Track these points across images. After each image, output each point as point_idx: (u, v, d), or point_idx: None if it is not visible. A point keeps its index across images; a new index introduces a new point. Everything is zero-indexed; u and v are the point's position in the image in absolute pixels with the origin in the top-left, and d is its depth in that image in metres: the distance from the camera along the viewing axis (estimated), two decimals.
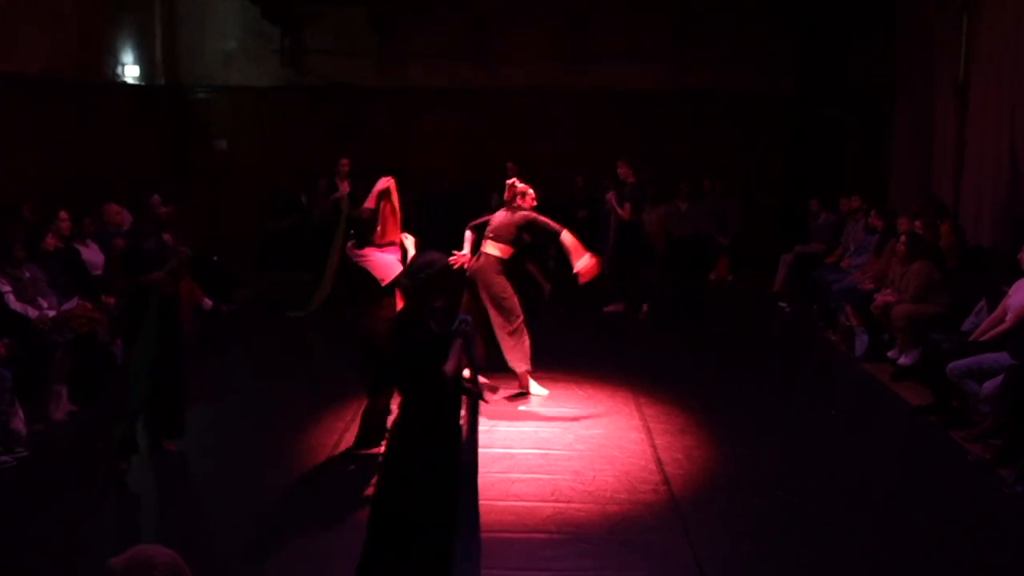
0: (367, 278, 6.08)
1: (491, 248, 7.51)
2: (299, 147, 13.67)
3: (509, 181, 7.72)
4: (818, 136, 13.40)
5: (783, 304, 11.29)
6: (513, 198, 7.58)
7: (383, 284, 6.00)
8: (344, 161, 12.23)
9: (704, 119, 13.71)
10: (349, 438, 6.64)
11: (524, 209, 7.54)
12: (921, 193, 10.80)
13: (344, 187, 11.92)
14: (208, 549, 4.98)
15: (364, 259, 6.08)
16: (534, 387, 7.67)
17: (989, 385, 6.51)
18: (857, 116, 13.11)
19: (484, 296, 7.46)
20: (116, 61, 12.50)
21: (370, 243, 6.16)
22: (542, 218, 7.51)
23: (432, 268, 4.18)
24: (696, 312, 11.44)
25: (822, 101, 13.37)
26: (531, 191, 7.62)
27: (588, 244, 8.20)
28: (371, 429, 6.24)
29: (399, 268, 5.89)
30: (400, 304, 5.78)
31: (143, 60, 13.12)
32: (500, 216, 7.60)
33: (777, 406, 7.59)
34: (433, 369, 3.97)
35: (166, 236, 6.45)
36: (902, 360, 8.29)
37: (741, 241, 13.23)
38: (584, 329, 10.04)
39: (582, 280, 7.31)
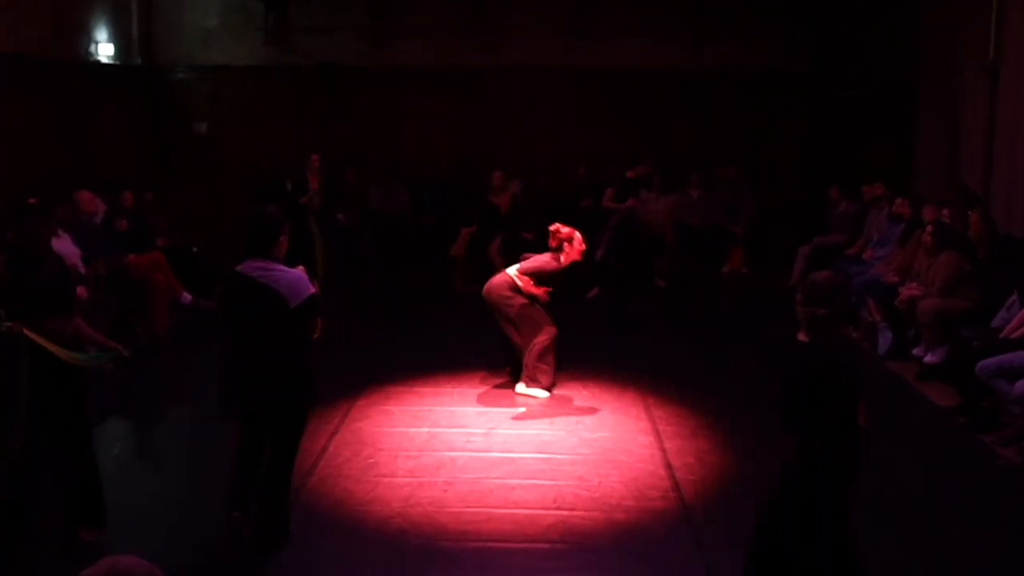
0: (262, 299, 4.92)
1: (514, 274, 7.68)
2: (284, 130, 13.63)
3: (552, 227, 7.74)
4: (838, 119, 13.35)
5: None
6: (560, 245, 7.64)
7: (291, 306, 4.90)
8: (315, 157, 11.98)
9: (716, 101, 13.66)
10: (339, 441, 6.65)
11: (556, 260, 7.65)
12: (948, 180, 10.77)
13: (314, 183, 11.82)
14: (186, 557, 4.97)
15: (267, 274, 4.96)
16: (534, 389, 7.66)
17: (1021, 385, 6.48)
18: (880, 97, 13.06)
19: (500, 318, 7.70)
20: (89, 39, 12.45)
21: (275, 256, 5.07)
22: (551, 275, 7.65)
23: (844, 291, 3.93)
24: (709, 307, 11.43)
25: (842, 81, 13.32)
26: (578, 235, 7.68)
27: (589, 236, 8.38)
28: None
29: (311, 286, 5.03)
30: (318, 331, 5.19)
31: (118, 38, 13.07)
32: (543, 258, 7.74)
33: None
34: (844, 414, 3.70)
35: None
36: (928, 358, 8.26)
37: (756, 231, 13.20)
38: (588, 325, 10.02)
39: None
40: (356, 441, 6.68)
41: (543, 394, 7.65)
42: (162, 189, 12.23)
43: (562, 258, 7.65)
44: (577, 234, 7.68)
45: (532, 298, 7.61)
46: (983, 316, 7.86)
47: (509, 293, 7.63)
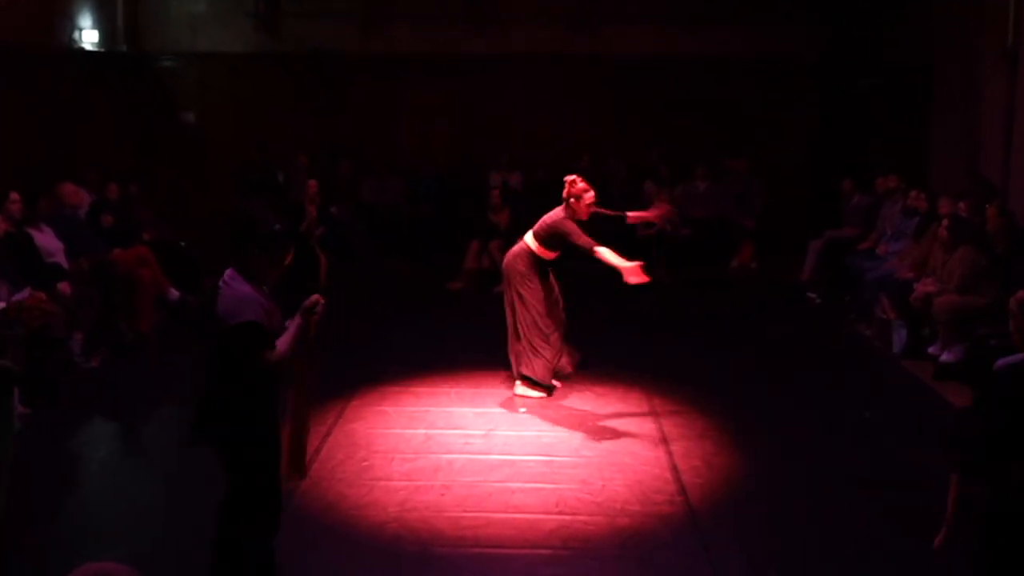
0: (209, 313, 4.60)
1: (530, 240, 7.57)
2: (275, 120, 13.64)
3: (569, 177, 7.54)
4: (851, 108, 13.35)
5: (812, 295, 11.24)
6: (569, 198, 7.45)
7: (231, 324, 4.42)
8: (312, 183, 11.91)
9: (724, 89, 13.66)
10: (332, 443, 6.64)
11: (568, 216, 7.40)
12: (965, 171, 10.76)
13: (312, 211, 11.76)
14: (172, 562, 4.98)
15: (222, 287, 4.55)
16: (535, 391, 7.60)
17: None
18: (894, 86, 13.05)
19: (511, 294, 7.57)
20: (73, 26, 12.45)
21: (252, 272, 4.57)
22: (576, 235, 7.31)
23: None
24: (716, 303, 11.41)
25: (855, 69, 13.32)
26: (590, 195, 7.43)
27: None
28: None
29: (258, 308, 4.45)
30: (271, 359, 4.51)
31: (103, 24, 13.07)
32: (553, 212, 7.55)
33: (805, 408, 7.58)
34: None
35: None
36: (944, 357, 8.26)
37: (766, 225, 13.19)
38: (590, 324, 10.01)
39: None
40: (350, 443, 6.68)
41: (543, 394, 7.62)
42: (149, 181, 12.23)
43: (569, 209, 7.43)
44: (590, 194, 7.40)
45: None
46: (1001, 313, 7.82)
47: (524, 269, 7.47)
